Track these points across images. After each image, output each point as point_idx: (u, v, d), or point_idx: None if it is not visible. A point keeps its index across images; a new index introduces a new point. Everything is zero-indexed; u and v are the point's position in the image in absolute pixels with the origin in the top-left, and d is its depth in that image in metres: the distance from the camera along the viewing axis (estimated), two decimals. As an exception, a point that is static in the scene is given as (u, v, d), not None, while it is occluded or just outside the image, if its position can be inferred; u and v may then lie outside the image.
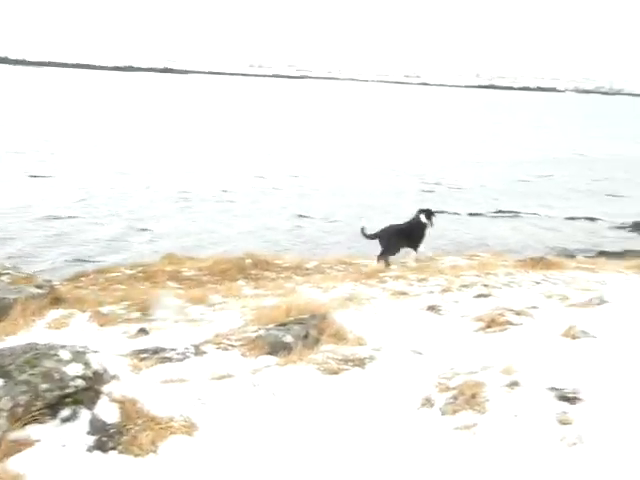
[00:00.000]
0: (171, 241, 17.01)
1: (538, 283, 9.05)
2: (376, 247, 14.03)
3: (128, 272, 10.58)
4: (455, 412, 4.28)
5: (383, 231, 12.45)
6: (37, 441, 3.67)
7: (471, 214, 23.55)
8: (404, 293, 8.81)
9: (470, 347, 5.81)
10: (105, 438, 3.83)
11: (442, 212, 23.46)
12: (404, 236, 12.39)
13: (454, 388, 4.57)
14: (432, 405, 4.47)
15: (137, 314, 7.88)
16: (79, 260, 14.67)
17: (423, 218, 12.46)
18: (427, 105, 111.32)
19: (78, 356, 4.13)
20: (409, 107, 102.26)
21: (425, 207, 13.01)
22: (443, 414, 4.33)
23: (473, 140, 51.60)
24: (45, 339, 4.75)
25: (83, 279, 10.33)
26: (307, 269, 11.53)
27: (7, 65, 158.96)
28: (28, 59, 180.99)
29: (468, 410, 4.25)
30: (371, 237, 12.42)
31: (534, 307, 7.29)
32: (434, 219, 12.61)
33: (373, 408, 4.50)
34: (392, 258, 12.35)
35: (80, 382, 3.98)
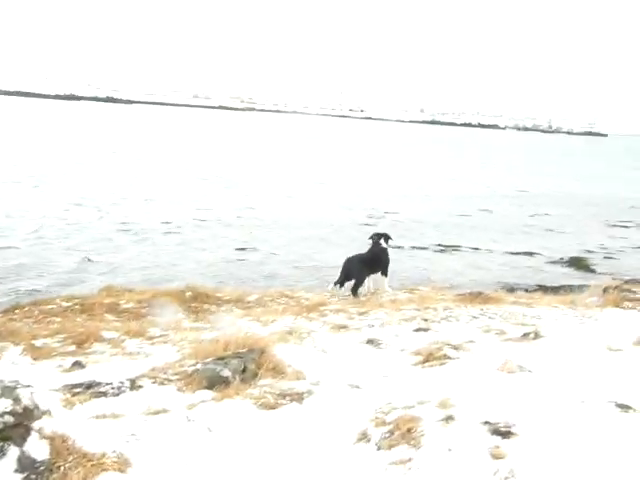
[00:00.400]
0: (120, 274, 16.74)
1: (476, 317, 9.16)
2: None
3: (64, 304, 10.35)
4: (391, 447, 4.28)
5: (349, 262, 12.46)
6: (-39, 481, 3.57)
7: (414, 247, 23.69)
8: (344, 327, 8.82)
9: (408, 381, 5.85)
10: (34, 476, 3.74)
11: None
12: (370, 264, 12.57)
13: (390, 422, 4.58)
14: (368, 440, 4.48)
15: (72, 347, 7.74)
16: (27, 293, 14.28)
17: (383, 242, 12.76)
18: (373, 139, 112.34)
19: (7, 391, 4.02)
20: (355, 140, 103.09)
21: (381, 232, 13.31)
22: (379, 449, 4.34)
23: (418, 174, 52.17)
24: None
25: (17, 311, 10.07)
26: (248, 302, 11.46)
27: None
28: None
29: (404, 445, 4.26)
30: (343, 278, 12.44)
31: (471, 341, 7.38)
32: (390, 242, 13.00)
33: (309, 443, 4.48)
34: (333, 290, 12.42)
35: (9, 418, 3.88)
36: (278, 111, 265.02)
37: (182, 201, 30.26)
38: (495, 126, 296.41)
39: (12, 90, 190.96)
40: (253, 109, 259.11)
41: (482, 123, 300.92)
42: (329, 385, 5.61)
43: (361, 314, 9.67)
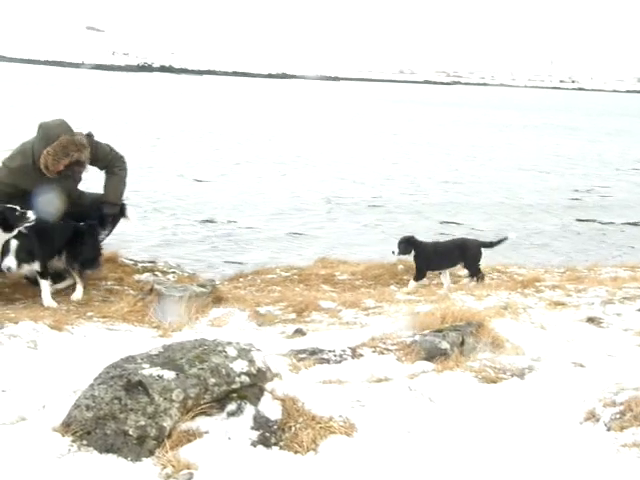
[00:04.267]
0: (330, 246, 17.28)
1: None
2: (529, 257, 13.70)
3: (284, 274, 10.86)
4: (622, 428, 4.10)
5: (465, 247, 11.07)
6: (205, 433, 3.83)
7: (626, 223, 22.55)
8: (562, 303, 8.56)
9: (636, 362, 5.58)
10: (268, 434, 3.94)
11: (592, 221, 22.71)
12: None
13: (621, 403, 4.38)
14: (597, 420, 4.31)
15: (293, 315, 8.08)
16: (233, 261, 15.13)
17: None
18: (594, 112, 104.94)
19: (243, 353, 4.27)
20: (569, 112, 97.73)
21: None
22: (609, 430, 4.16)
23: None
24: (208, 336, 4.94)
25: (241, 279, 10.70)
26: (459, 276, 11.39)
27: (172, 74, 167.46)
28: (189, 68, 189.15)
29: (637, 427, 4.07)
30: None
31: None
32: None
33: (533, 419, 4.40)
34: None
35: (245, 379, 4.12)
36: (484, 84, 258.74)
37: (387, 176, 30.49)
38: None
39: (230, 71, 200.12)
40: (459, 83, 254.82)
41: None
42: (550, 362, 5.47)
43: (579, 291, 9.33)
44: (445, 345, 5.68)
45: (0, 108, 46.04)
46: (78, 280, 8.50)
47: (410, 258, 10.76)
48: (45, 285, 8.12)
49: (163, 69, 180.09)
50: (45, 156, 8.22)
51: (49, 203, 8.35)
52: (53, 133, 8.30)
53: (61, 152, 8.22)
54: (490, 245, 11.13)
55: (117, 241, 10.04)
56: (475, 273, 10.80)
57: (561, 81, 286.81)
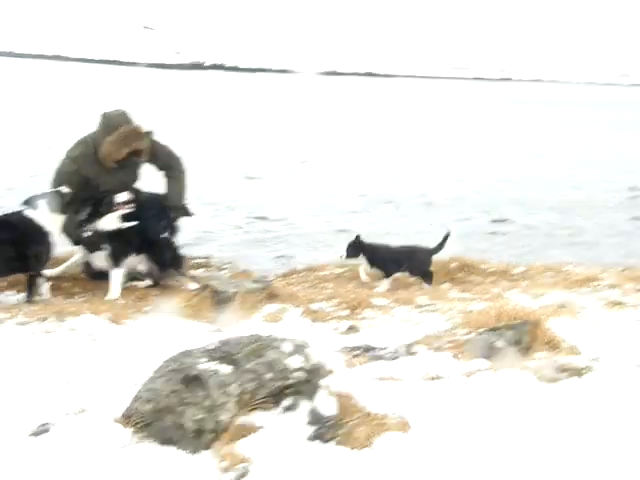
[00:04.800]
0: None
1: None
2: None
3: (336, 271, 10.87)
4: (688, 431, 4.03)
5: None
6: (261, 427, 3.88)
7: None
8: (619, 303, 8.41)
9: (698, 363, 5.45)
10: (323, 429, 3.97)
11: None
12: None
13: (685, 405, 4.31)
14: (660, 422, 4.24)
15: (346, 312, 8.10)
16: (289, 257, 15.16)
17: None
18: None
19: (298, 349, 4.30)
20: (634, 108, 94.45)
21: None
22: (673, 431, 4.09)
23: None
24: (262, 331, 4.98)
25: (294, 276, 10.74)
26: (513, 275, 11.25)
27: (223, 72, 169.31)
28: (240, 66, 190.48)
29: (703, 430, 3.99)
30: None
31: None
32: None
33: (593, 419, 4.34)
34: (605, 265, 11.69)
35: (300, 374, 4.15)
36: (538, 80, 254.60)
37: (436, 173, 30.22)
38: None
39: (277, 68, 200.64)
40: (510, 79, 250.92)
41: None
42: (609, 362, 5.38)
43: (638, 290, 9.16)
44: (501, 344, 5.62)
45: (68, 108, 46.94)
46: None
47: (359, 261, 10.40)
48: (117, 275, 8.31)
49: (215, 67, 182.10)
50: (106, 145, 8.47)
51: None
52: (114, 122, 8.54)
53: (121, 141, 8.48)
54: (439, 248, 10.49)
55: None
56: (424, 278, 10.37)
57: (622, 75, 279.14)
